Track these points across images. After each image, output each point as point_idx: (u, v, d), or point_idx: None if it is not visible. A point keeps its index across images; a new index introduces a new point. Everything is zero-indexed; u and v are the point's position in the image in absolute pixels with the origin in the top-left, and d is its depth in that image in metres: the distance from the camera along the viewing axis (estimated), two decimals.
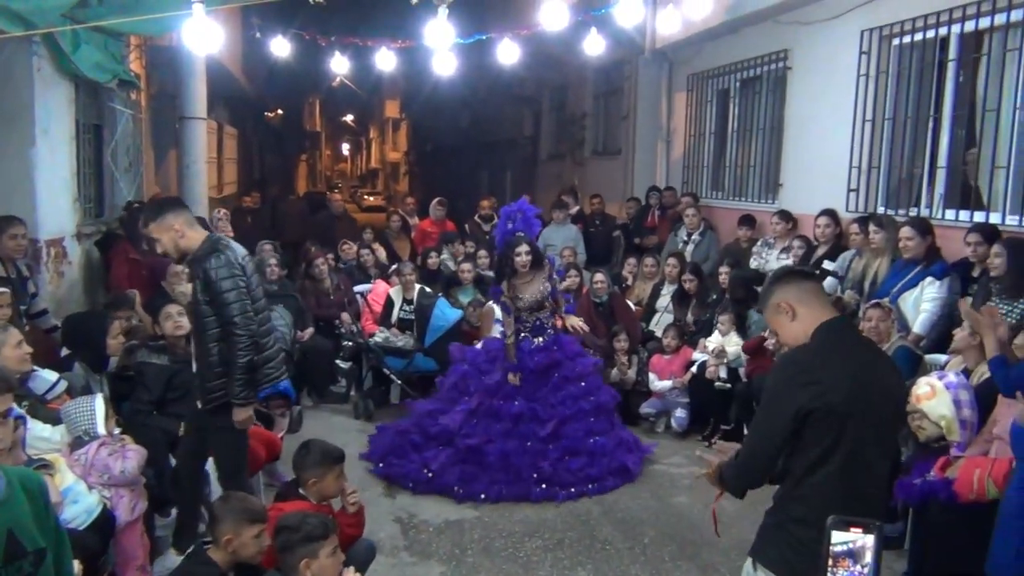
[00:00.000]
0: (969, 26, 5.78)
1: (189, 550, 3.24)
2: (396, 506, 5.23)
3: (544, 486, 5.33)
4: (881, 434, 2.41)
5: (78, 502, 3.51)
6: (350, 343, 7.29)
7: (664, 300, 7.62)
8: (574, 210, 10.11)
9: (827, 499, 2.32)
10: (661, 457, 6.07)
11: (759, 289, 6.29)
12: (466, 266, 8.01)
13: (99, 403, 3.83)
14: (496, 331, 6.31)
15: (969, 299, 4.91)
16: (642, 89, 10.91)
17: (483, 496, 5.28)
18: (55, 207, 6.58)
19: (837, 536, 1.84)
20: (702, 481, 2.82)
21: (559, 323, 5.87)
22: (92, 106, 7.69)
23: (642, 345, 7.14)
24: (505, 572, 4.42)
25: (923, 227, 5.49)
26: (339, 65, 11.15)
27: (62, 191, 6.77)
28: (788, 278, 2.56)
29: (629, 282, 8.33)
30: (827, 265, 6.45)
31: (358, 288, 8.07)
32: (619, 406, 6.12)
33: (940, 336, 5.25)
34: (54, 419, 3.89)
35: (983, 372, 4.22)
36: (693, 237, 8.54)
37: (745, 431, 4.17)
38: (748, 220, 8.05)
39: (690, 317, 7.25)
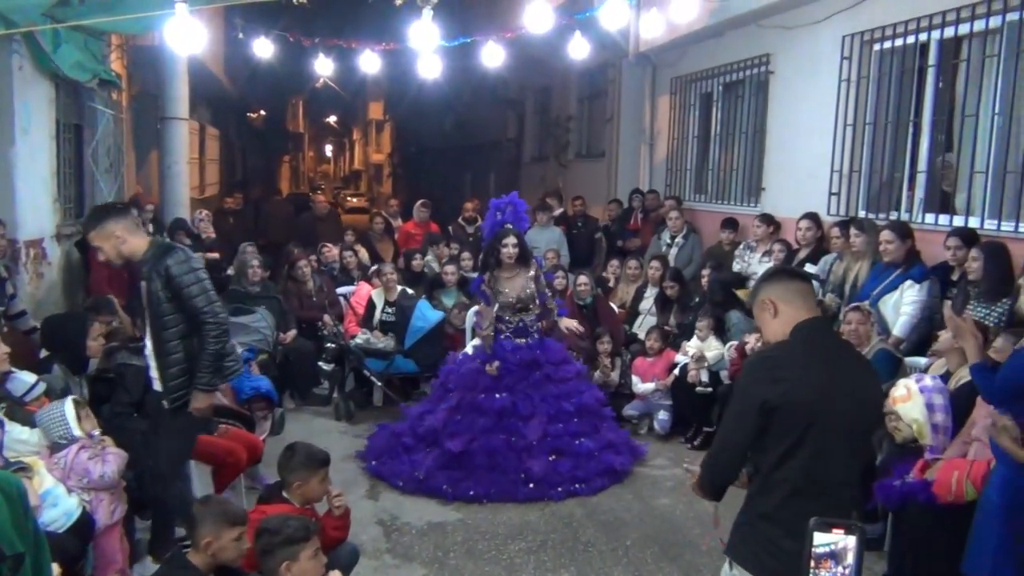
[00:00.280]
0: (949, 32, 5.85)
1: (168, 555, 3.22)
2: (379, 508, 5.21)
3: (532, 486, 5.32)
4: (851, 435, 2.42)
5: (57, 505, 3.48)
6: (333, 345, 7.27)
7: (647, 303, 7.64)
8: (558, 212, 10.12)
9: (789, 496, 2.35)
10: (644, 459, 6.08)
11: (739, 292, 6.38)
12: (450, 268, 8.00)
13: (68, 406, 3.79)
14: (470, 321, 6.20)
15: (949, 303, 4.95)
16: (626, 92, 10.95)
17: (472, 493, 5.26)
18: (35, 207, 6.52)
19: (819, 537, 1.85)
20: (685, 484, 2.83)
21: (544, 326, 5.85)
22: (72, 106, 7.63)
23: (625, 347, 7.16)
24: (488, 574, 4.42)
25: (903, 231, 5.55)
26: (323, 67, 11.10)
27: (42, 191, 6.71)
28: (777, 277, 2.61)
29: (611, 284, 8.35)
30: (808, 268, 6.49)
31: (341, 290, 8.03)
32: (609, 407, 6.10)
33: (920, 339, 5.31)
34: (32, 421, 3.85)
35: (963, 376, 4.25)
36: (676, 240, 8.59)
37: None
38: (731, 223, 8.09)
39: (672, 321, 7.28)
